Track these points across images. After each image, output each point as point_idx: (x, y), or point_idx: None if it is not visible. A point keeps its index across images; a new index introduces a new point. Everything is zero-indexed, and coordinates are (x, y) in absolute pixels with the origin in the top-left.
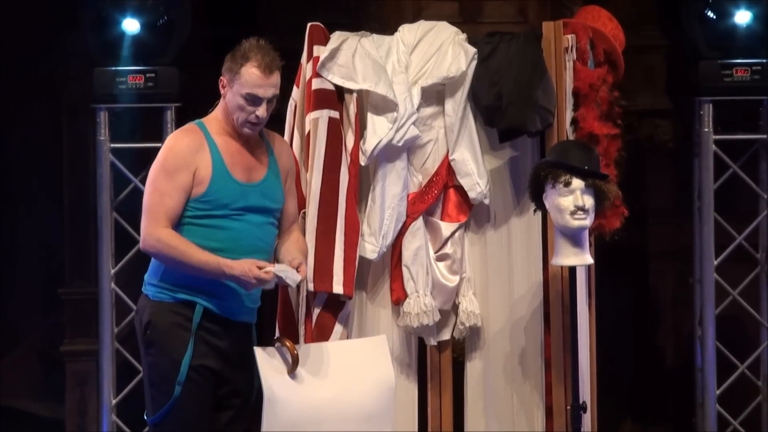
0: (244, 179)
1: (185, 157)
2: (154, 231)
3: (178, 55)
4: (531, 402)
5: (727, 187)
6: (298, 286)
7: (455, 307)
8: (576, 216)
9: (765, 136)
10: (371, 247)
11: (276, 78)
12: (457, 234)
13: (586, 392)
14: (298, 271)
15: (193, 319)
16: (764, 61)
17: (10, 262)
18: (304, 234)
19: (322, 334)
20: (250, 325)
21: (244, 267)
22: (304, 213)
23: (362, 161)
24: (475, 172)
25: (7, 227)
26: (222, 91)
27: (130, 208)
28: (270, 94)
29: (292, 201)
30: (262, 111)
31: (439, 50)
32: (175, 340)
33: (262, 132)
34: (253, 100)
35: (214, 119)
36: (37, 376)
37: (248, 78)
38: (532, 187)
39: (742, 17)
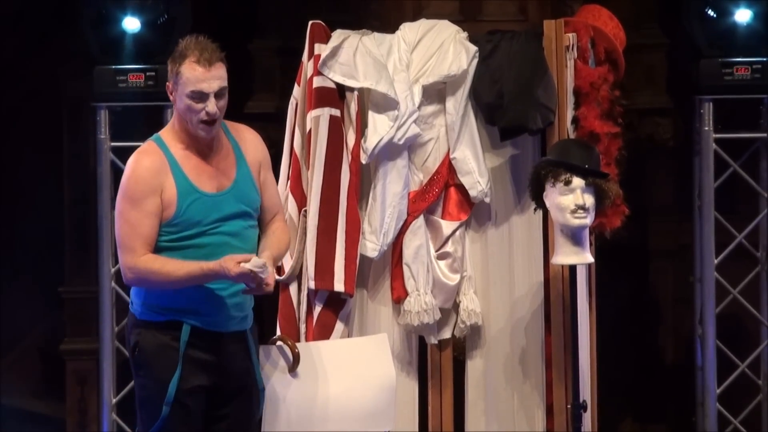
0: (214, 189)
1: (148, 181)
2: (133, 264)
3: None
4: (531, 401)
5: (727, 185)
6: (299, 284)
7: (456, 306)
8: (576, 215)
9: (765, 135)
10: (372, 246)
11: (219, 70)
12: (458, 232)
13: (587, 391)
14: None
15: (181, 338)
16: (765, 59)
17: (11, 260)
18: (310, 231)
19: (323, 332)
20: (243, 332)
21: (223, 264)
22: (305, 211)
23: (363, 159)
24: (476, 170)
25: (7, 226)
26: (171, 98)
27: None
28: (216, 87)
29: (269, 193)
30: (211, 106)
31: (440, 49)
32: (163, 360)
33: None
34: (200, 96)
35: (170, 130)
36: (37, 374)
37: (189, 75)
38: (532, 185)
39: (743, 15)
